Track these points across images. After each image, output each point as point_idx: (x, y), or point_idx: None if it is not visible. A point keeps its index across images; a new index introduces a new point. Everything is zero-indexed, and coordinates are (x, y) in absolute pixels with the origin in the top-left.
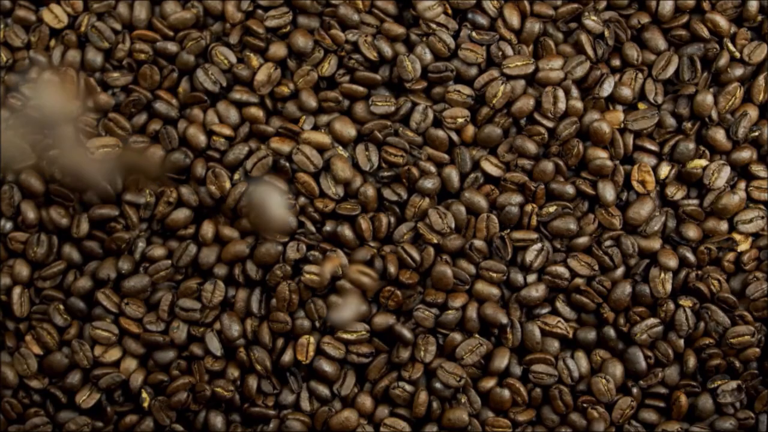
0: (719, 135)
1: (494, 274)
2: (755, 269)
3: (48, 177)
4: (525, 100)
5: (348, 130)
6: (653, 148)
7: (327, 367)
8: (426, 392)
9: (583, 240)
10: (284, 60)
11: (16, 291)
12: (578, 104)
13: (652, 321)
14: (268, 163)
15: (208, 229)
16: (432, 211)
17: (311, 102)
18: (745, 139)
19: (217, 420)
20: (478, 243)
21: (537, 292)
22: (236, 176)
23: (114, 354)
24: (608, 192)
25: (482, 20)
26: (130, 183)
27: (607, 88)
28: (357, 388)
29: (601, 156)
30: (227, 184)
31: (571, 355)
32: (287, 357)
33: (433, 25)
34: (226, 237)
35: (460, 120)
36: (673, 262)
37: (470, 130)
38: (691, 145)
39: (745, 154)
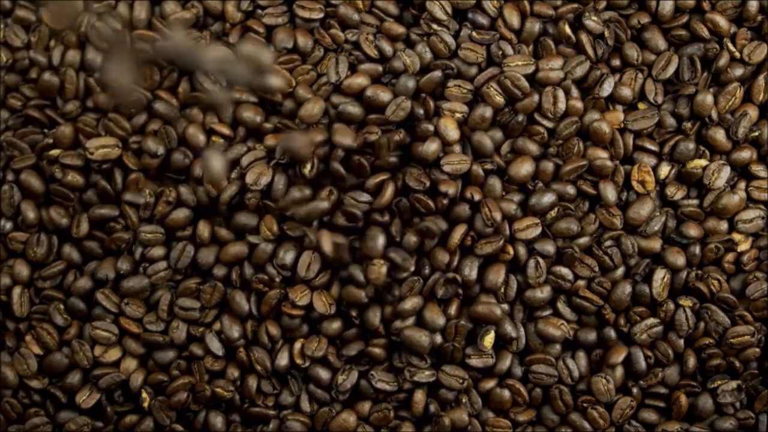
0: (719, 135)
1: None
2: (755, 269)
3: (48, 177)
4: (528, 99)
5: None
6: (653, 148)
7: (323, 374)
8: (423, 392)
9: (584, 240)
10: None
11: (16, 291)
12: (578, 104)
13: (652, 321)
14: (264, 161)
15: (204, 229)
16: None
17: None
18: (745, 139)
19: (217, 420)
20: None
21: (542, 293)
22: (233, 175)
23: (114, 354)
24: (609, 192)
25: (482, 20)
26: (130, 183)
27: (607, 88)
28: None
29: (601, 156)
30: (224, 183)
31: (571, 356)
32: (283, 361)
33: (434, 25)
34: (223, 238)
35: (458, 115)
36: (680, 261)
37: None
38: (691, 145)
39: (745, 154)
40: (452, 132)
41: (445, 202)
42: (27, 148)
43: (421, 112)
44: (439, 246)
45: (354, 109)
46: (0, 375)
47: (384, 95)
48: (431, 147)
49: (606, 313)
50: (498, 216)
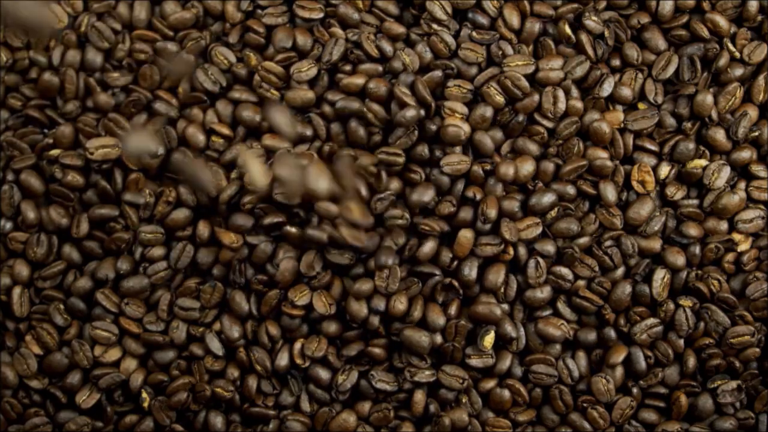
0: (719, 135)
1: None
2: (755, 269)
3: (48, 177)
4: (528, 99)
5: None
6: (653, 148)
7: (323, 374)
8: (423, 392)
9: (584, 240)
10: None
11: (16, 291)
12: (578, 104)
13: (652, 321)
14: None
15: (204, 229)
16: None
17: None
18: (745, 139)
19: (217, 420)
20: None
21: (542, 293)
22: (233, 175)
23: (114, 354)
24: (609, 192)
25: (482, 20)
26: (130, 183)
27: (607, 88)
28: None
29: (601, 156)
30: (224, 183)
31: (571, 356)
32: (283, 361)
33: (434, 25)
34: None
35: (458, 115)
36: (680, 261)
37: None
38: (691, 145)
39: (745, 154)
40: (464, 127)
41: (452, 209)
42: (27, 148)
43: (422, 112)
44: (442, 246)
45: (353, 104)
46: (0, 375)
47: (384, 89)
48: (456, 131)
49: (606, 313)
50: (493, 212)
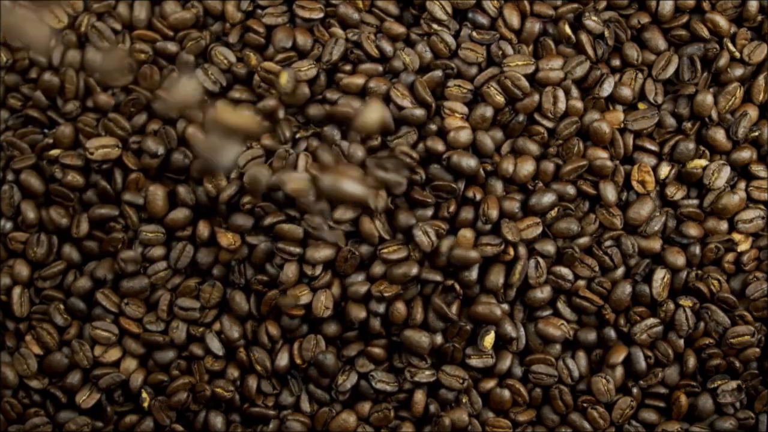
0: (719, 135)
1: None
2: (755, 269)
3: (48, 177)
4: (528, 99)
5: None
6: (653, 148)
7: (323, 374)
8: (423, 392)
9: (584, 240)
10: None
11: (16, 291)
12: (578, 104)
13: (652, 321)
14: (261, 161)
15: (204, 229)
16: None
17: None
18: (745, 139)
19: (217, 420)
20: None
21: (542, 293)
22: (232, 175)
23: (114, 354)
24: (609, 192)
25: (482, 20)
26: (130, 183)
27: (607, 88)
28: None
29: (601, 156)
30: (223, 183)
31: (571, 356)
32: (283, 361)
33: (435, 25)
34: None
35: (458, 115)
36: (680, 261)
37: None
38: (691, 145)
39: (745, 154)
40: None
41: (452, 209)
42: (27, 148)
43: (423, 113)
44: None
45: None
46: (0, 375)
47: (385, 88)
48: (462, 135)
49: (606, 313)
50: (494, 213)
